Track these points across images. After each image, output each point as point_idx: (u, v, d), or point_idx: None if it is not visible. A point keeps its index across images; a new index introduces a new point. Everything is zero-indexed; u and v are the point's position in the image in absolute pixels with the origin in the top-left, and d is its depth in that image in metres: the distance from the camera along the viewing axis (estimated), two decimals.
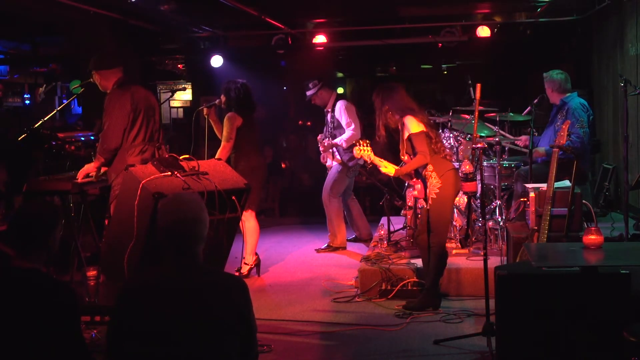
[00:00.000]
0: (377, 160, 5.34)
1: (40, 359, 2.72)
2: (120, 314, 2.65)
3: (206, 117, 6.43)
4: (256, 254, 6.51)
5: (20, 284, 2.81)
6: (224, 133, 6.31)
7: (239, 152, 6.36)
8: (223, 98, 6.46)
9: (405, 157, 5.39)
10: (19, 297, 2.76)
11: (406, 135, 5.30)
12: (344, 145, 7.15)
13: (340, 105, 7.22)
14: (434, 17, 9.87)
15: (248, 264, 6.44)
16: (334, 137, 7.26)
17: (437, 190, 5.25)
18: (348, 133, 7.13)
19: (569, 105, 6.14)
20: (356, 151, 5.34)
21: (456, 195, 5.50)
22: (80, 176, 5.44)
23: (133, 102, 5.29)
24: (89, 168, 5.45)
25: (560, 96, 6.25)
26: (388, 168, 5.32)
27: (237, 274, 6.32)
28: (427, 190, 5.33)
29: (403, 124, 5.32)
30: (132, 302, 2.64)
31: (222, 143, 6.33)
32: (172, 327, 2.57)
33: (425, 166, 5.30)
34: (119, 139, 5.24)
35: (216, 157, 6.09)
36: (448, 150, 5.61)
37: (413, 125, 5.25)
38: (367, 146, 5.33)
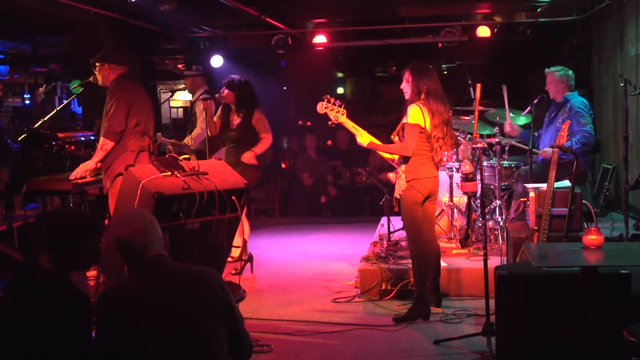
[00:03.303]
0: (350, 124, 5.14)
1: None
2: (102, 319, 2.76)
3: (204, 110, 6.39)
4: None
5: (40, 287, 2.87)
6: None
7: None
8: (225, 91, 6.42)
9: (396, 138, 5.24)
10: (38, 299, 2.83)
11: (404, 120, 5.15)
12: (193, 144, 6.80)
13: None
14: (434, 17, 9.87)
15: (233, 257, 6.30)
16: None
17: (401, 193, 5.13)
18: (197, 131, 6.82)
19: (572, 103, 6.14)
20: (319, 107, 5.18)
21: (419, 205, 5.12)
22: (75, 174, 5.47)
23: (133, 93, 5.50)
24: (87, 165, 5.48)
25: (565, 93, 6.24)
26: (363, 137, 5.13)
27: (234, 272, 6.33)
28: (395, 188, 5.24)
29: (407, 109, 5.12)
30: (111, 306, 2.75)
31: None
32: (155, 325, 2.66)
33: (402, 161, 5.14)
34: (123, 122, 5.41)
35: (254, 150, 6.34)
36: (443, 157, 5.27)
37: (412, 115, 5.04)
38: (339, 107, 5.13)
